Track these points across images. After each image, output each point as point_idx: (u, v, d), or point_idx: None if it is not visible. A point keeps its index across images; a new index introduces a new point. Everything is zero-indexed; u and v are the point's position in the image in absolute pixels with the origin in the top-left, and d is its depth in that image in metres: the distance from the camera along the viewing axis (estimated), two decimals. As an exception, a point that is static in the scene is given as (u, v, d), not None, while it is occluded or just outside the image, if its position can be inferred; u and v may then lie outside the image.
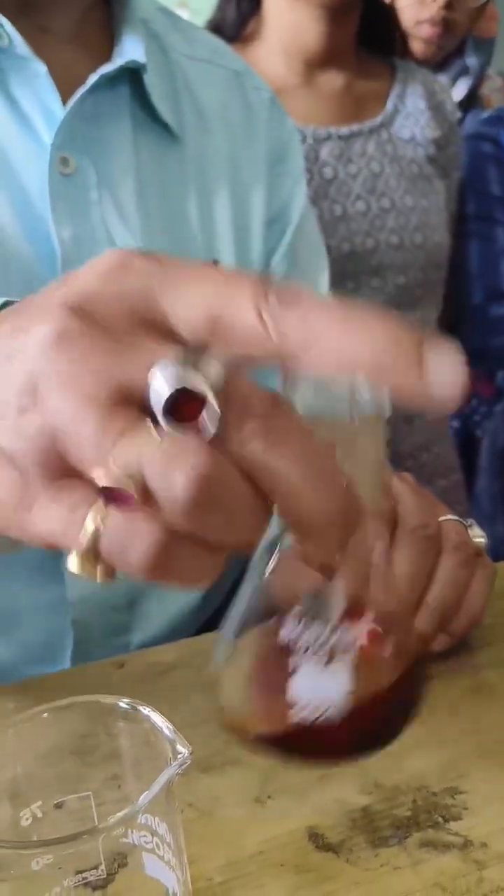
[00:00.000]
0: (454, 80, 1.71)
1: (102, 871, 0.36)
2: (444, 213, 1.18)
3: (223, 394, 0.25)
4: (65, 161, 0.59)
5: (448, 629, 0.50)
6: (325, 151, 1.09)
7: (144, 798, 0.30)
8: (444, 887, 0.37)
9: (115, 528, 0.26)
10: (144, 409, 0.26)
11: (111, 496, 0.26)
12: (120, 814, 0.31)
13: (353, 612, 0.35)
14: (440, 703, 0.49)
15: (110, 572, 0.27)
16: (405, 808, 0.42)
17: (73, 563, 0.27)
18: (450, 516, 0.53)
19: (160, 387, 0.26)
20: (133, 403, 0.26)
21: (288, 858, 0.40)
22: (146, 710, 0.34)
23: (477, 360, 1.31)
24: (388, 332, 0.25)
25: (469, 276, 1.29)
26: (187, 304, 0.28)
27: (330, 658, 0.34)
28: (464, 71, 1.73)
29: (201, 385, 0.25)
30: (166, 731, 0.33)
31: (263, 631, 0.36)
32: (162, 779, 0.31)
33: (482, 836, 0.40)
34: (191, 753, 0.31)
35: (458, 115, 1.28)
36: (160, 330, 0.28)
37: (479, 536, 0.53)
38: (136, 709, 0.34)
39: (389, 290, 1.11)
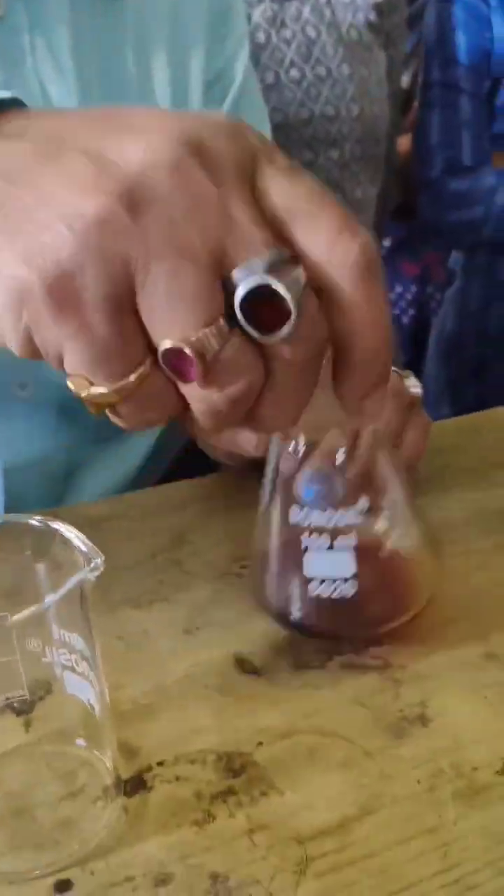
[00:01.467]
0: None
1: (25, 694, 0.36)
2: (384, 84, 1.13)
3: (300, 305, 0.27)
4: None
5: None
6: (258, 14, 1.03)
7: (52, 598, 0.30)
8: (363, 703, 0.38)
9: (153, 391, 0.28)
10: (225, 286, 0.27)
11: (175, 364, 0.27)
12: (27, 611, 0.30)
13: (350, 498, 0.38)
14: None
15: (102, 412, 0.29)
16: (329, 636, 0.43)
17: (80, 387, 0.28)
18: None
19: (247, 281, 0.26)
20: (219, 277, 0.27)
21: (212, 682, 0.40)
22: (56, 525, 0.33)
23: (432, 235, 1.29)
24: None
25: (428, 147, 1.25)
26: (311, 216, 0.28)
27: (333, 538, 0.38)
28: None
29: (285, 291, 0.26)
30: (78, 543, 0.32)
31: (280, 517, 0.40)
32: (71, 581, 0.30)
33: (401, 659, 0.41)
34: (103, 561, 0.31)
35: None
36: (258, 209, 0.27)
37: (414, 386, 0.52)
38: (47, 525, 0.33)
39: (322, 164, 1.07)
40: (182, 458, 0.80)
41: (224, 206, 0.27)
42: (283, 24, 1.04)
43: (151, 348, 0.27)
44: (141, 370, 0.27)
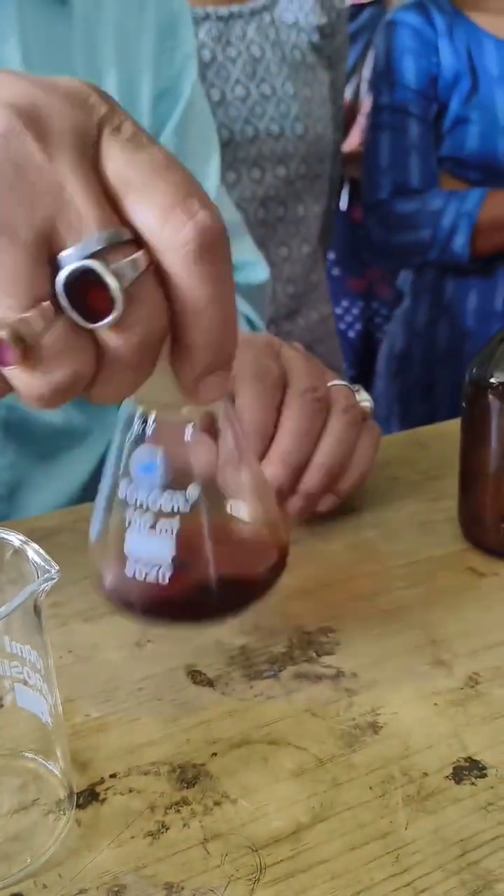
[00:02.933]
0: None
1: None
2: (328, 104, 1.16)
3: (129, 292, 0.26)
4: None
5: (334, 489, 0.51)
6: (203, 32, 1.05)
7: (6, 609, 0.30)
8: (315, 713, 0.39)
9: None
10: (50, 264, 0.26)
11: None
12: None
13: (179, 480, 0.36)
14: (320, 555, 0.50)
15: None
16: (281, 645, 0.43)
17: None
18: (338, 381, 0.53)
19: (70, 265, 0.25)
20: (46, 258, 0.25)
21: (165, 693, 0.40)
22: (9, 536, 0.33)
23: (380, 257, 1.31)
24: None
25: (377, 169, 1.27)
26: (143, 190, 0.26)
27: (156, 520, 0.36)
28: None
29: (110, 277, 0.25)
30: (32, 555, 0.32)
31: (112, 492, 0.38)
32: (25, 592, 0.30)
33: (352, 668, 0.41)
34: (58, 571, 0.31)
35: (346, 3, 1.24)
36: (94, 180, 0.26)
37: (365, 400, 0.53)
38: (4, 538, 0.33)
39: (269, 182, 1.09)
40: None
41: (56, 180, 0.25)
42: (228, 43, 1.06)
43: None
44: None
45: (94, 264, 0.25)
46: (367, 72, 1.59)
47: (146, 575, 0.37)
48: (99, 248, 0.26)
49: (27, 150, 0.25)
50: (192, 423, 0.36)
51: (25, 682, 0.34)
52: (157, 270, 0.27)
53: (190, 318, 0.28)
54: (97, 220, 0.26)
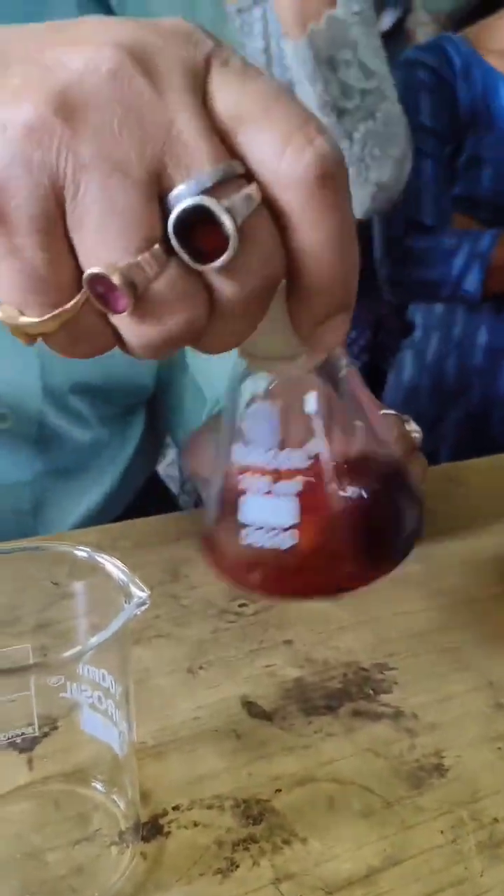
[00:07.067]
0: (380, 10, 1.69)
1: (34, 731, 0.34)
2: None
3: (243, 231, 0.24)
4: None
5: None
6: None
7: (98, 638, 0.29)
8: (378, 752, 0.38)
9: (88, 322, 0.25)
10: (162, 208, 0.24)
11: (102, 294, 0.24)
12: (68, 653, 0.29)
13: (295, 440, 0.33)
14: (367, 590, 0.50)
15: (33, 342, 0.26)
16: (336, 681, 0.42)
17: (9, 317, 0.25)
18: (388, 410, 0.53)
19: (182, 201, 0.24)
20: (157, 197, 0.24)
21: (221, 724, 0.39)
22: (100, 558, 0.32)
23: (391, 292, 1.31)
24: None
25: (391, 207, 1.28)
26: (258, 121, 0.24)
27: (274, 482, 0.33)
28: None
29: (223, 214, 0.24)
30: (118, 574, 0.31)
31: (223, 457, 0.34)
32: (118, 621, 0.29)
33: (412, 707, 0.41)
34: (149, 596, 0.30)
35: None
36: (204, 115, 0.25)
37: (415, 431, 0.53)
38: (91, 555, 0.32)
39: None
40: (144, 490, 0.80)
41: (166, 117, 0.24)
42: None
43: None
44: (74, 300, 0.25)
45: (208, 201, 0.23)
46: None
47: (266, 542, 0.33)
48: (210, 184, 0.24)
49: (137, 88, 0.24)
50: (309, 373, 0.32)
51: (95, 707, 0.33)
52: (271, 208, 0.25)
53: (309, 257, 0.25)
54: (209, 155, 0.24)
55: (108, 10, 0.61)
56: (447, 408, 1.30)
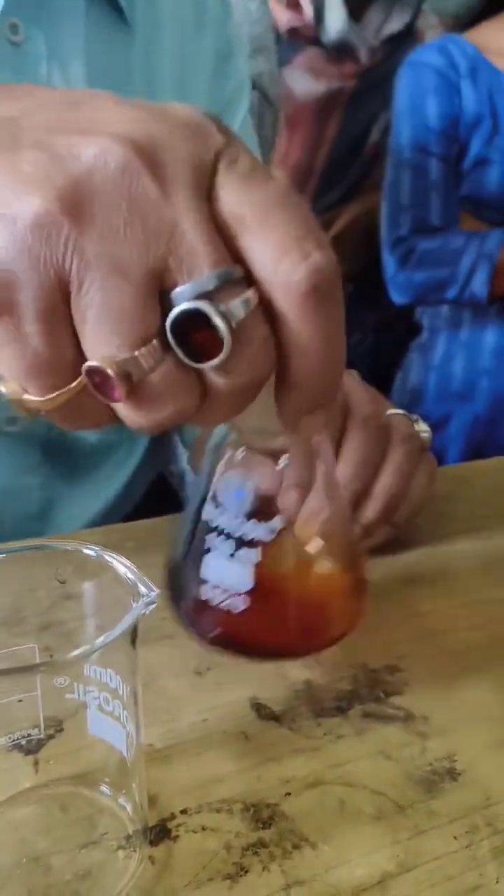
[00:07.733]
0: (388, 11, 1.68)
1: (40, 731, 0.34)
2: None
3: (238, 332, 0.25)
4: (14, 28, 0.54)
5: (390, 520, 0.50)
6: None
7: (106, 637, 0.29)
8: (389, 755, 0.37)
9: (86, 403, 0.27)
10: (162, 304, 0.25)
11: (98, 384, 0.25)
12: (76, 652, 0.29)
13: (265, 510, 0.35)
14: (377, 590, 0.49)
15: (35, 416, 0.27)
16: (346, 682, 0.42)
17: (13, 393, 0.27)
18: (397, 410, 0.52)
19: (179, 305, 0.25)
20: (156, 294, 0.25)
21: (230, 727, 0.39)
22: (108, 556, 0.32)
23: (397, 293, 1.31)
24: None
25: (398, 207, 1.28)
26: (258, 229, 0.25)
27: (237, 548, 0.36)
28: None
29: (219, 319, 0.25)
30: (126, 572, 0.31)
31: (197, 514, 0.37)
32: (126, 620, 0.29)
33: (423, 710, 0.40)
34: (158, 594, 0.30)
35: None
36: (208, 216, 0.26)
37: (424, 431, 0.53)
38: (99, 553, 0.32)
39: None
40: (149, 494, 0.79)
41: (171, 218, 0.25)
42: None
43: None
44: (74, 383, 0.26)
45: (205, 306, 0.25)
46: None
47: (221, 602, 0.36)
48: (210, 287, 0.25)
49: (143, 187, 0.25)
50: (285, 455, 0.35)
51: (101, 709, 0.32)
52: (266, 309, 0.26)
53: (298, 359, 0.27)
54: (210, 259, 0.25)
55: (116, 9, 0.60)
56: (454, 410, 1.30)
